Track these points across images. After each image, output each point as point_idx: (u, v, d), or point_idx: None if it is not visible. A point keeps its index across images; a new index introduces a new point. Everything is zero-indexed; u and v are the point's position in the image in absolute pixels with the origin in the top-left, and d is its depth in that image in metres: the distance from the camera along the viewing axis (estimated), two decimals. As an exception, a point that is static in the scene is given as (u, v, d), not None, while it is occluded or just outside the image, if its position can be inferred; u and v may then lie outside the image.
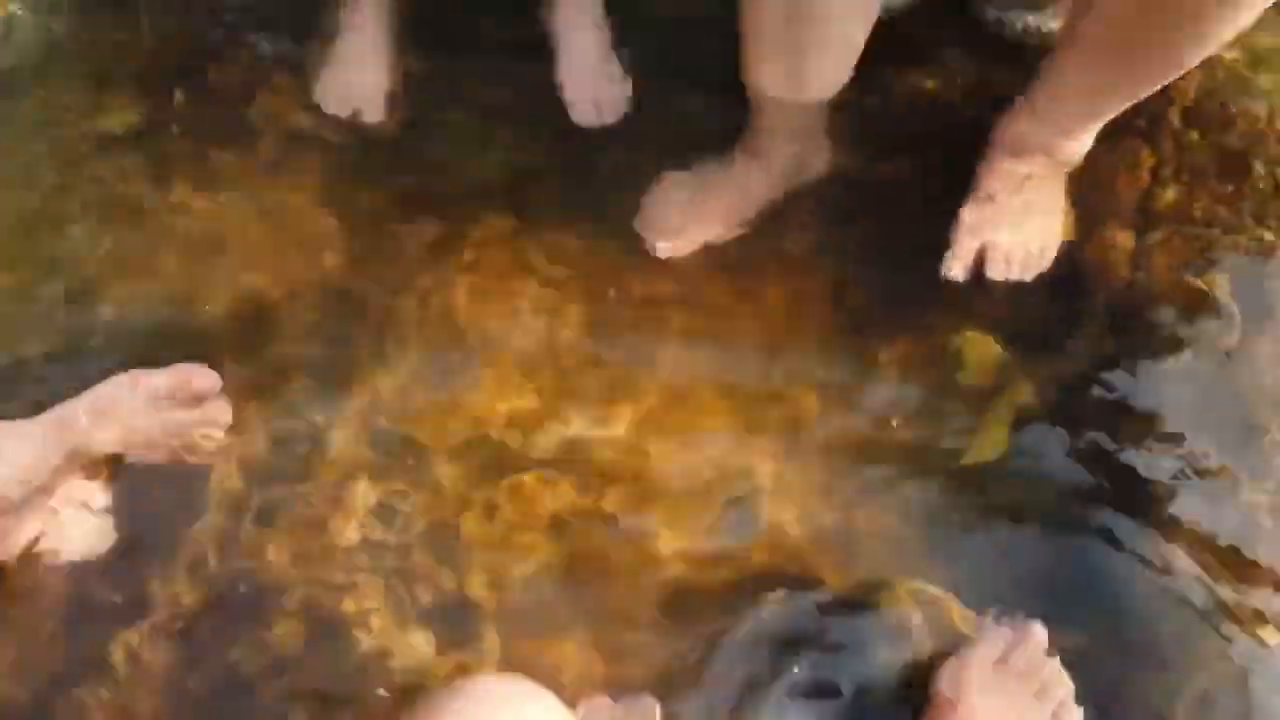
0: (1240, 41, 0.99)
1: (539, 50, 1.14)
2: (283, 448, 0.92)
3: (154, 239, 1.04)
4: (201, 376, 0.91)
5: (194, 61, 1.17)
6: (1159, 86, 0.90)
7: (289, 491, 0.91)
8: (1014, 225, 0.97)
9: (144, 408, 0.90)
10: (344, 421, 0.94)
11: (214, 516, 0.89)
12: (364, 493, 0.91)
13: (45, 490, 0.87)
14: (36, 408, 0.88)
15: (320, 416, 0.94)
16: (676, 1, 1.18)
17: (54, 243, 1.04)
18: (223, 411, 0.92)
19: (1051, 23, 1.07)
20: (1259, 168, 0.98)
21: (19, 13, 1.20)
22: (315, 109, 1.12)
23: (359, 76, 1.14)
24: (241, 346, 0.97)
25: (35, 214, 1.06)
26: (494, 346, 0.97)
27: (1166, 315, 0.94)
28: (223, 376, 0.92)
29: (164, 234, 1.04)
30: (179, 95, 1.14)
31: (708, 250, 1.03)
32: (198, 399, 0.91)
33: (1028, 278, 0.98)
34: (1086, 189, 0.99)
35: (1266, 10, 0.76)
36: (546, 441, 0.93)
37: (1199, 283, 0.93)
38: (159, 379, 0.90)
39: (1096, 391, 0.92)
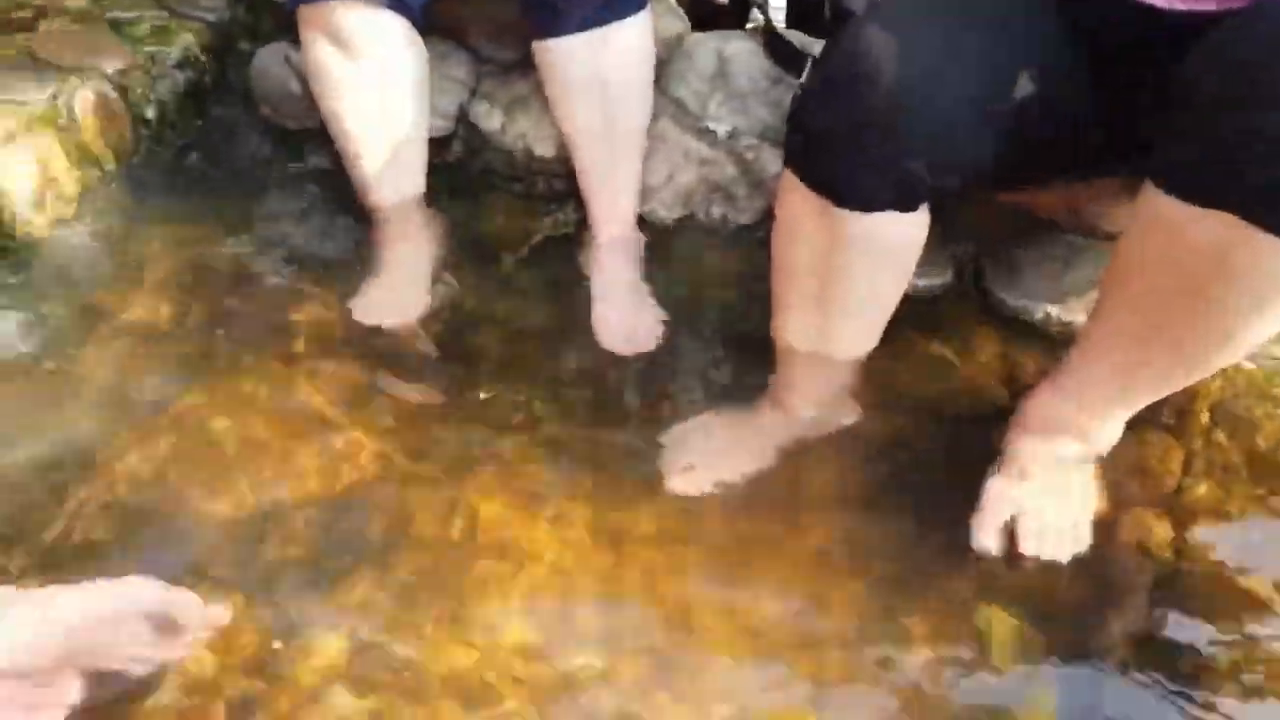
0: (1258, 354, 1.02)
1: (576, 282, 1.19)
2: (262, 645, 0.86)
3: (171, 431, 1.02)
4: (192, 613, 0.84)
5: (236, 267, 1.21)
6: (1187, 382, 0.91)
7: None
8: (1046, 501, 0.94)
9: (127, 620, 0.82)
10: (333, 628, 0.87)
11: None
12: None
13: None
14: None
15: (309, 620, 0.88)
16: (712, 255, 1.24)
17: (66, 421, 1.02)
18: (184, 648, 0.85)
19: (1073, 315, 1.10)
20: (1289, 476, 0.97)
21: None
22: (351, 322, 1.14)
23: (389, 290, 1.17)
24: (240, 540, 0.93)
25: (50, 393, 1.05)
26: (501, 571, 0.92)
27: (1208, 611, 0.88)
28: (212, 571, 0.89)
29: (183, 427, 1.02)
30: (220, 297, 1.17)
31: (725, 496, 0.99)
32: (176, 626, 0.84)
33: (1063, 558, 0.93)
34: (1117, 475, 0.97)
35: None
36: (545, 678, 0.85)
37: (1244, 582, 0.88)
38: (157, 600, 0.83)
39: (1133, 689, 0.85)
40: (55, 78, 1.24)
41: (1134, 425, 0.97)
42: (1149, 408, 0.94)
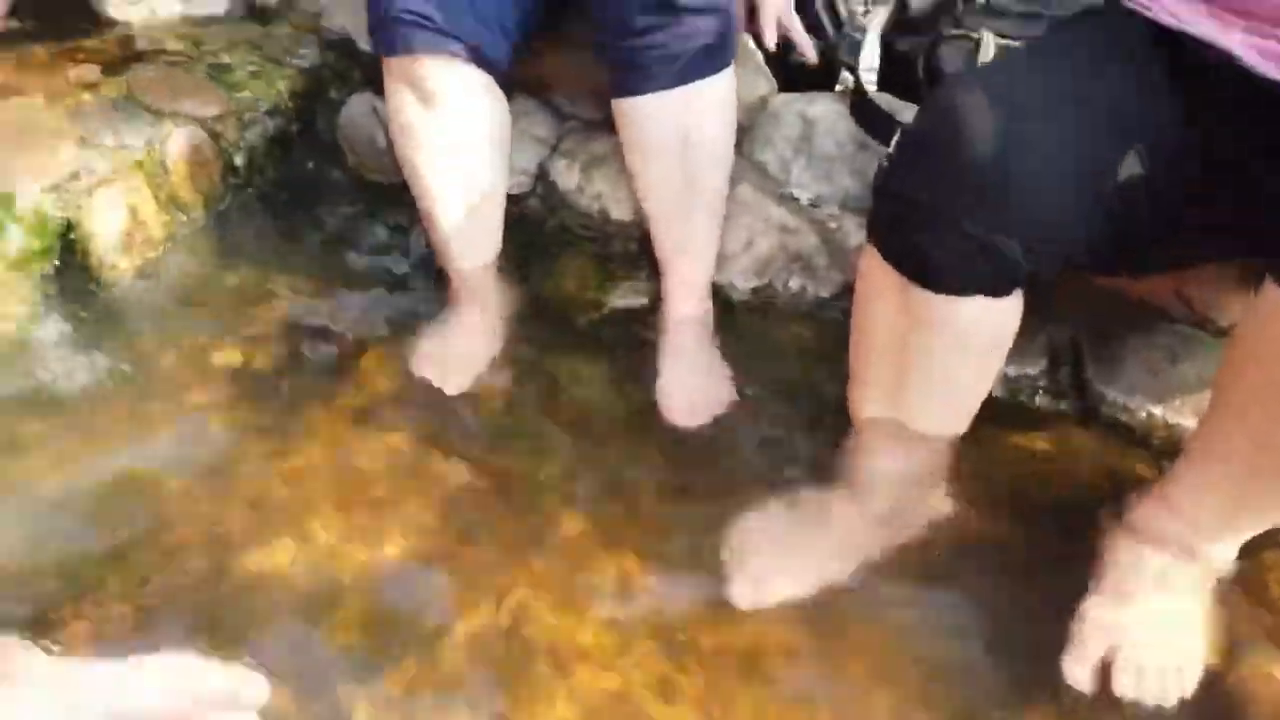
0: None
1: (646, 352, 1.14)
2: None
3: (227, 488, 1.00)
4: (253, 692, 0.80)
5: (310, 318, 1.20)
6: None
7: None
8: (1149, 633, 0.84)
9: (178, 703, 0.78)
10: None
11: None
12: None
13: None
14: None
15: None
16: (789, 328, 1.18)
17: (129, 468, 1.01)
18: None
19: (1181, 418, 1.00)
20: None
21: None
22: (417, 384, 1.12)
23: (456, 350, 1.15)
24: (286, 620, 0.89)
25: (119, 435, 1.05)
26: (550, 673, 0.87)
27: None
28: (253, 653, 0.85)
29: (239, 486, 1.01)
30: (291, 349, 1.16)
31: (791, 607, 0.91)
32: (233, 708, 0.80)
33: (1166, 703, 0.83)
34: (1234, 605, 0.87)
35: None
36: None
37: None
38: (217, 680, 0.79)
39: None
40: (149, 121, 1.27)
41: (1252, 547, 0.86)
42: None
